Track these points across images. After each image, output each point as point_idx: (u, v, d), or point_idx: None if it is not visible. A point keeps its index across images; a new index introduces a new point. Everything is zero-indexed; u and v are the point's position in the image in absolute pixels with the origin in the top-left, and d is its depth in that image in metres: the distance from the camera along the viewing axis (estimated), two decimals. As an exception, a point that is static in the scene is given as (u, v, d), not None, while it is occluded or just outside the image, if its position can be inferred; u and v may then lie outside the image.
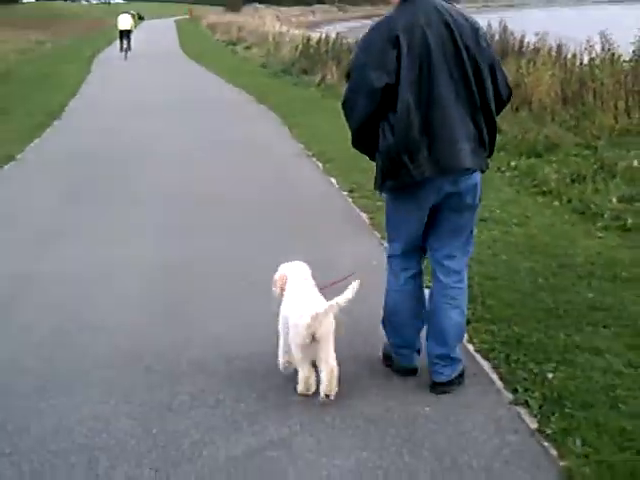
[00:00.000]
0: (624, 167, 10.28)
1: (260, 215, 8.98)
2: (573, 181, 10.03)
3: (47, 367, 5.18)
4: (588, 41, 16.42)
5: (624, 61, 15.74)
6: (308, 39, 27.34)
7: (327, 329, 4.49)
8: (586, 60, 16.55)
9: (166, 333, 5.73)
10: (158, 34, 59.08)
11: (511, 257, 7.31)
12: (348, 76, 4.63)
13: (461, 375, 4.87)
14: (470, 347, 5.36)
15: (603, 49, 16.43)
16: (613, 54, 15.95)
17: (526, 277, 6.77)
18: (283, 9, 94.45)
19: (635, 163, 10.45)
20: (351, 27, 63.88)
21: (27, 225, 8.82)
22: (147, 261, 7.45)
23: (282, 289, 4.81)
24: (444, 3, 4.50)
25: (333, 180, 10.77)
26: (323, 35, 26.99)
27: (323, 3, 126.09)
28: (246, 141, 14.28)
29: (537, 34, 19.32)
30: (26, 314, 6.19)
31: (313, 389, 4.62)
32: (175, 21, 79.67)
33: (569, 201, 9.22)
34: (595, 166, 10.62)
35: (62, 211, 9.40)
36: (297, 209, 9.28)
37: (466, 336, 5.27)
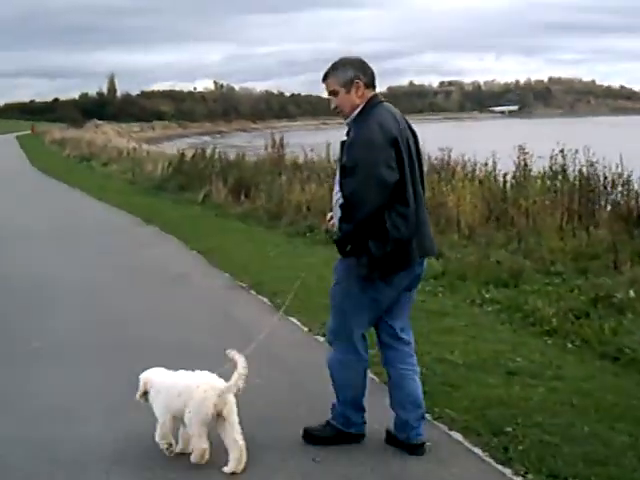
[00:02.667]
0: (625, 299, 8.90)
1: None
2: (577, 317, 8.55)
3: None
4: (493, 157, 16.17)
5: (550, 177, 14.93)
6: (182, 154, 25.61)
7: (231, 406, 4.98)
8: (502, 177, 15.64)
9: None
10: (2, 149, 56.36)
11: (593, 427, 5.76)
12: (345, 170, 5.01)
13: None
14: None
15: (519, 165, 15.53)
16: (530, 170, 15.27)
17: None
18: (123, 125, 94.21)
19: (632, 294, 9.12)
20: (192, 143, 63.11)
21: None
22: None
23: (146, 392, 5.29)
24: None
25: (297, 322, 8.86)
26: (199, 150, 25.19)
27: (161, 119, 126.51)
28: (156, 268, 12.35)
29: (442, 149, 18.24)
30: None
31: (206, 459, 5.04)
32: (16, 137, 76.83)
33: (585, 341, 7.97)
34: (583, 297, 9.22)
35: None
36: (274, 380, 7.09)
37: None
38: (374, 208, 4.88)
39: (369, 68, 5.22)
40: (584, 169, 14.18)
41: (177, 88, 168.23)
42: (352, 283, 5.13)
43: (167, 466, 5.20)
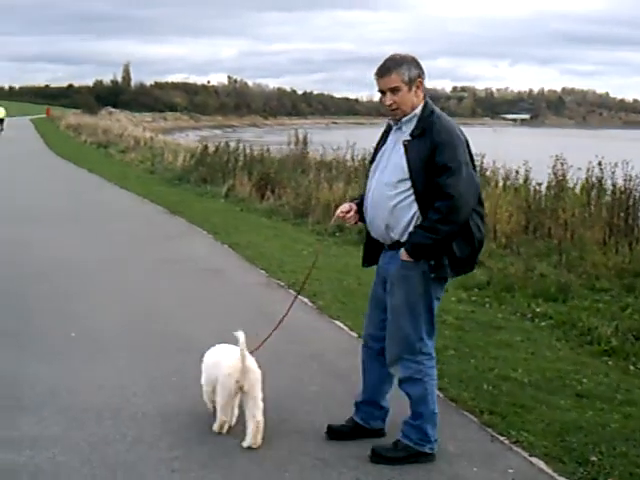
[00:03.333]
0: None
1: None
2: (637, 338, 8.21)
3: None
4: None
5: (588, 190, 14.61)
6: (205, 147, 25.23)
7: (253, 383, 5.28)
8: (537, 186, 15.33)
9: None
10: (19, 132, 56.21)
11: None
12: (446, 170, 4.83)
13: None
14: None
15: (555, 175, 15.21)
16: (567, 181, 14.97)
17: None
18: (136, 114, 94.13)
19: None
20: (204, 135, 63.03)
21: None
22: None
23: None
24: None
25: (341, 325, 8.52)
26: (222, 143, 24.81)
27: (174, 111, 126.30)
28: (189, 261, 11.98)
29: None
30: None
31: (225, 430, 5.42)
32: (31, 120, 76.49)
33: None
34: (636, 316, 8.96)
35: None
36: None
37: None
38: (472, 209, 4.94)
39: (423, 70, 5.08)
40: (621, 182, 13.79)
41: (191, 81, 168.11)
42: (418, 286, 5.00)
43: None
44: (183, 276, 10.98)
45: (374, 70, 5.10)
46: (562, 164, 15.13)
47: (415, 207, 4.94)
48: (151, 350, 7.52)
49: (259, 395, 5.31)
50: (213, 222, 15.90)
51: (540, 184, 15.40)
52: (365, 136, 21.44)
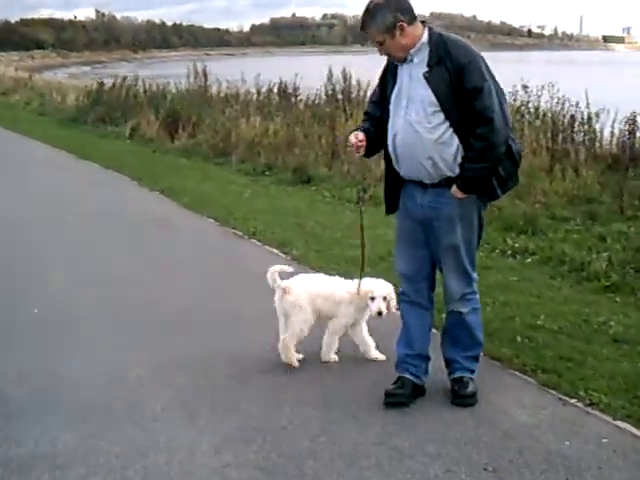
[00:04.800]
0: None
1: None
2: (637, 271, 7.84)
3: None
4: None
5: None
6: (100, 84, 23.87)
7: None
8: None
9: None
10: None
11: None
12: (482, 93, 4.56)
13: None
14: None
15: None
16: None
17: None
18: (3, 53, 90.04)
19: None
20: (72, 73, 60.63)
21: None
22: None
23: None
24: None
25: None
26: (118, 81, 23.44)
27: (41, 48, 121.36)
28: (127, 212, 11.09)
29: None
30: None
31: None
32: None
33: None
34: (618, 246, 8.68)
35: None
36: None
37: None
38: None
39: (405, 1, 4.74)
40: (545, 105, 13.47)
41: (57, 16, 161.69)
42: (474, 219, 4.91)
43: None
44: (129, 230, 10.11)
45: None
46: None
47: (456, 138, 4.68)
48: (139, 327, 6.67)
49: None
50: (130, 166, 14.92)
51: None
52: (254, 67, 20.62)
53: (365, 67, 17.92)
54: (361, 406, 5.03)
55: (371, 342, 5.76)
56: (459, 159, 4.69)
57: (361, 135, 4.95)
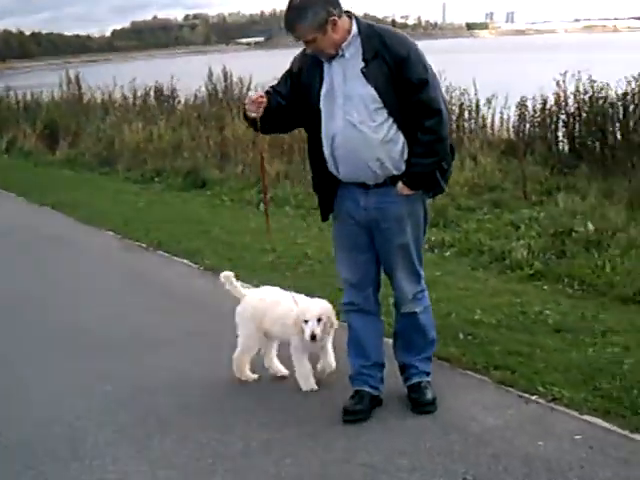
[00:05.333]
0: (586, 233, 8.21)
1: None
2: (558, 257, 7.91)
3: None
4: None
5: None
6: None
7: None
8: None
9: None
10: None
11: None
12: (426, 86, 4.35)
13: None
14: None
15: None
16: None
17: None
18: None
19: (590, 227, 8.44)
20: None
21: None
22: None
23: None
24: None
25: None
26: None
27: None
28: (21, 231, 10.57)
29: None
30: None
31: None
32: None
33: (590, 284, 7.13)
34: (533, 233, 8.69)
35: None
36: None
37: None
38: None
39: None
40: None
41: None
42: (421, 215, 4.70)
43: None
44: (25, 249, 9.52)
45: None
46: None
47: (401, 134, 4.42)
48: (63, 355, 6.22)
49: None
50: (13, 182, 14.29)
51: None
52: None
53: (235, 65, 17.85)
54: (318, 423, 4.76)
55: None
56: (405, 156, 4.46)
57: (262, 93, 4.56)
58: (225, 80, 19.01)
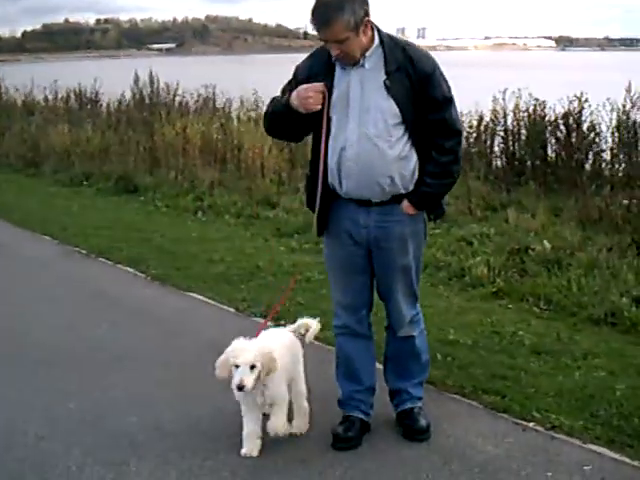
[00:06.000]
0: (543, 251, 8.13)
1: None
2: (521, 275, 7.77)
3: None
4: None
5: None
6: None
7: None
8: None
9: None
10: None
11: None
12: (448, 103, 4.14)
13: None
14: None
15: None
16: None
17: None
18: None
19: (547, 245, 8.38)
20: None
21: None
22: None
23: None
24: None
25: (201, 297, 7.24)
26: None
27: None
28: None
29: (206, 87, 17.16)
30: None
31: None
32: None
33: (557, 304, 6.98)
34: (488, 250, 8.55)
35: None
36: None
37: None
38: None
39: None
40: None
41: None
42: (424, 236, 4.48)
43: None
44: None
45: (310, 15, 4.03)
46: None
47: (414, 153, 4.16)
48: (17, 373, 5.72)
49: None
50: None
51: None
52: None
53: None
54: (308, 450, 4.44)
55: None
56: (416, 175, 4.20)
57: (319, 86, 4.13)
58: (151, 85, 18.70)
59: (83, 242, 9.22)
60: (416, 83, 4.05)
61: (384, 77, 4.05)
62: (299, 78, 4.25)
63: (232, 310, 6.90)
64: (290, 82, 4.31)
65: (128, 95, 18.72)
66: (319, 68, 4.19)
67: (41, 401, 5.09)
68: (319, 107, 4.09)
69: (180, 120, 14.86)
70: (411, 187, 4.22)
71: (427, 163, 4.17)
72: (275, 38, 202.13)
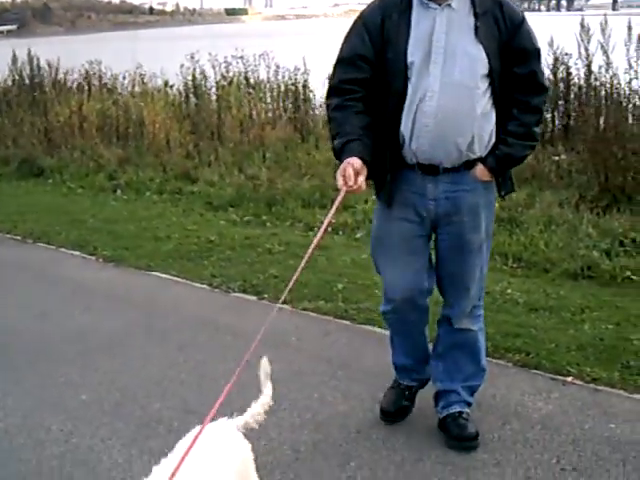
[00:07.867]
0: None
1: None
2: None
3: None
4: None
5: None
6: None
7: None
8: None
9: None
10: None
11: None
12: (538, 55, 3.73)
13: None
14: None
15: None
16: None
17: None
18: None
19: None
20: None
21: None
22: None
23: None
24: None
25: (168, 277, 6.97)
26: None
27: None
28: None
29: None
30: None
31: None
32: None
33: (530, 262, 6.99)
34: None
35: None
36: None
37: None
38: None
39: None
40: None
41: None
42: (494, 202, 3.92)
43: None
44: None
45: None
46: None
47: (494, 112, 3.66)
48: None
49: None
50: None
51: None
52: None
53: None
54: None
55: None
56: (493, 139, 3.69)
57: (358, 163, 3.47)
58: (30, 65, 17.80)
59: (13, 228, 8.68)
60: (504, 32, 3.58)
61: (472, 20, 3.56)
62: (371, 23, 3.65)
63: (206, 287, 6.59)
64: (358, 32, 3.68)
65: (6, 77, 17.70)
66: (393, 6, 3.63)
67: (50, 395, 4.73)
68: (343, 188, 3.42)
69: (73, 98, 14.24)
70: (484, 152, 3.70)
71: (508, 122, 3.67)
72: (120, 15, 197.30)
